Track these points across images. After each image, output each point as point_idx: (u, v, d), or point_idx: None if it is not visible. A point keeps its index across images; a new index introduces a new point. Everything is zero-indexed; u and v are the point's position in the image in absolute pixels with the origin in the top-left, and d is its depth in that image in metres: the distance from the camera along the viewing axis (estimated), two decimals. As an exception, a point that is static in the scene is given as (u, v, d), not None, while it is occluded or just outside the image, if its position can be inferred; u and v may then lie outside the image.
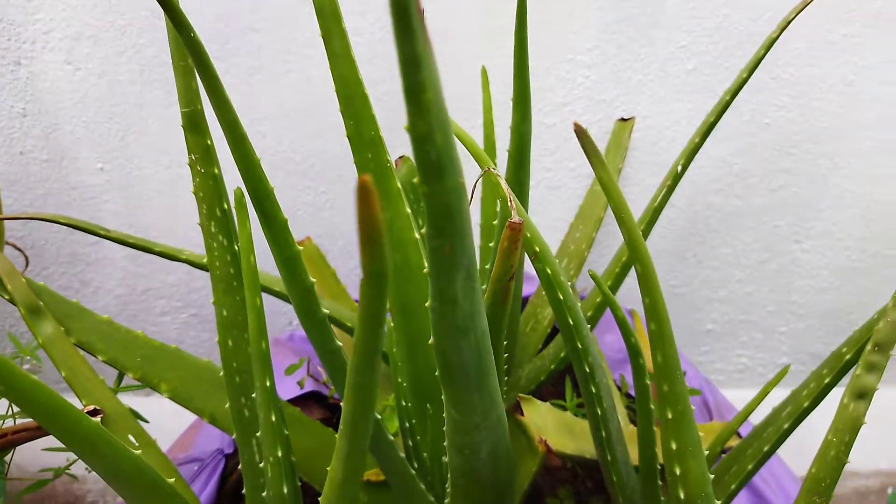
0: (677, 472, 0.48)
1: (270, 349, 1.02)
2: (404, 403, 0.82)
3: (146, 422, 0.79)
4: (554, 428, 0.93)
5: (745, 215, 1.28)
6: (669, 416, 0.47)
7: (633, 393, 1.20)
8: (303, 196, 1.25)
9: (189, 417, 0.97)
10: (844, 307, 1.39)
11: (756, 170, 1.24)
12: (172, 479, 0.65)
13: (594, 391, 0.79)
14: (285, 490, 0.68)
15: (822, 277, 1.36)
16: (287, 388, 1.01)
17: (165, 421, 1.00)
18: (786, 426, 0.78)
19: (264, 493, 0.71)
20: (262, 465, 0.71)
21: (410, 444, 0.84)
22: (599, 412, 0.82)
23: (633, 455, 0.95)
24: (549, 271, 0.71)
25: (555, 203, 1.27)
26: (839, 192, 1.28)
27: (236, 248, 0.67)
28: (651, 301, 0.44)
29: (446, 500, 0.70)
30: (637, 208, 1.25)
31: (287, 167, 1.23)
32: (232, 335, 0.69)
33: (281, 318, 1.36)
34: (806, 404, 0.76)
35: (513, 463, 0.70)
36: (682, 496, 0.49)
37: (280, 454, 0.67)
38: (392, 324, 0.86)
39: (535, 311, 1.21)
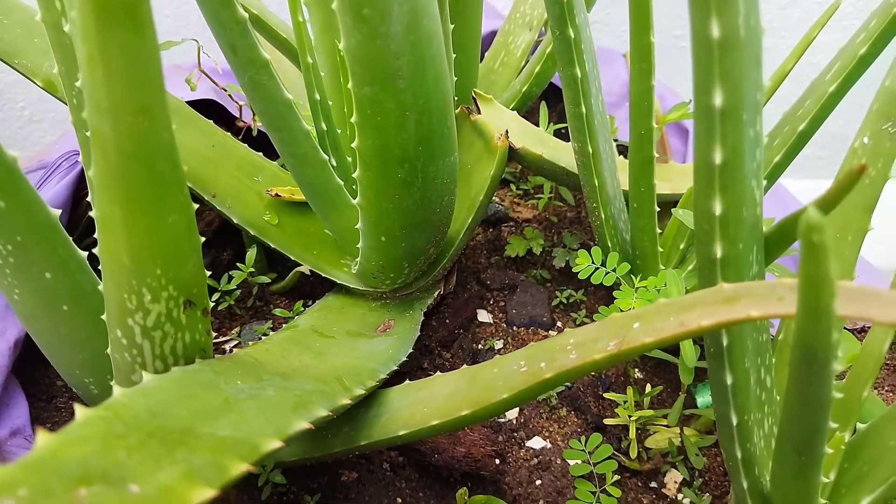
0: None
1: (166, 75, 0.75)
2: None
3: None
4: (521, 133, 0.72)
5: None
6: None
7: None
8: None
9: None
10: None
11: None
12: None
13: (579, 75, 0.57)
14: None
15: None
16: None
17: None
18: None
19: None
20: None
21: (323, 123, 0.63)
22: (585, 111, 0.60)
23: (622, 181, 0.75)
24: None
25: None
26: None
27: None
28: None
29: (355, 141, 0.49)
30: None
31: None
32: None
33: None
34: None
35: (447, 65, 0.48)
36: None
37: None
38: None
39: (507, 41, 0.98)
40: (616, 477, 0.52)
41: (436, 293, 0.72)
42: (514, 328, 0.76)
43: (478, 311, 0.77)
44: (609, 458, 0.52)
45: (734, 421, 0.42)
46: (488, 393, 0.43)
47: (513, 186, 0.93)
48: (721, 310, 0.33)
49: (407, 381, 0.52)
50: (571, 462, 0.53)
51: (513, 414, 0.66)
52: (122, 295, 0.39)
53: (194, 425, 0.31)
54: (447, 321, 0.74)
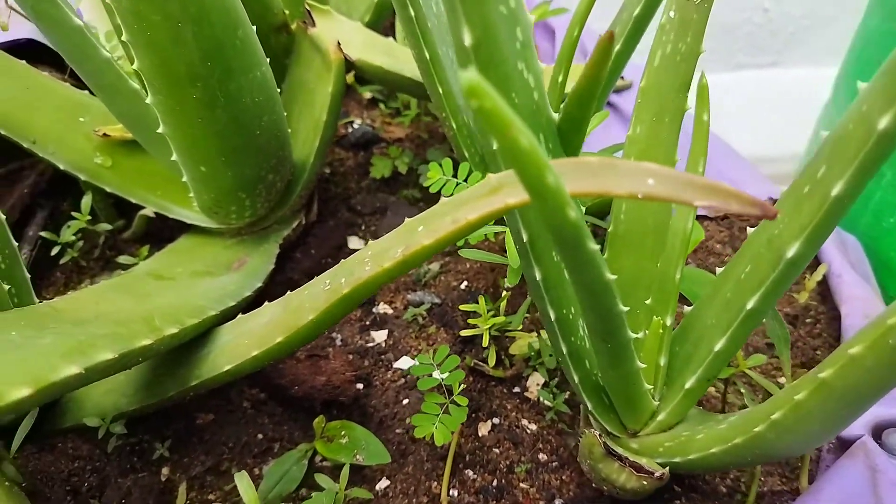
0: None
1: None
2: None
3: None
4: (363, 45, 0.68)
5: None
6: None
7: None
8: None
9: None
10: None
11: None
12: None
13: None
14: None
15: None
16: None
17: None
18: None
19: None
20: None
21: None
22: (414, 13, 0.56)
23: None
24: None
25: None
26: None
27: None
28: None
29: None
30: None
31: None
32: None
33: None
34: None
35: None
36: None
37: None
38: None
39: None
40: (463, 386, 0.51)
41: (294, 224, 0.69)
42: (386, 251, 0.74)
43: (348, 237, 0.75)
44: (457, 368, 0.51)
45: (552, 316, 0.41)
46: (297, 316, 0.41)
47: (382, 106, 0.89)
48: (484, 202, 0.31)
49: (240, 315, 0.50)
50: (419, 377, 0.52)
51: (381, 337, 0.65)
52: None
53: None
54: (313, 252, 0.72)
